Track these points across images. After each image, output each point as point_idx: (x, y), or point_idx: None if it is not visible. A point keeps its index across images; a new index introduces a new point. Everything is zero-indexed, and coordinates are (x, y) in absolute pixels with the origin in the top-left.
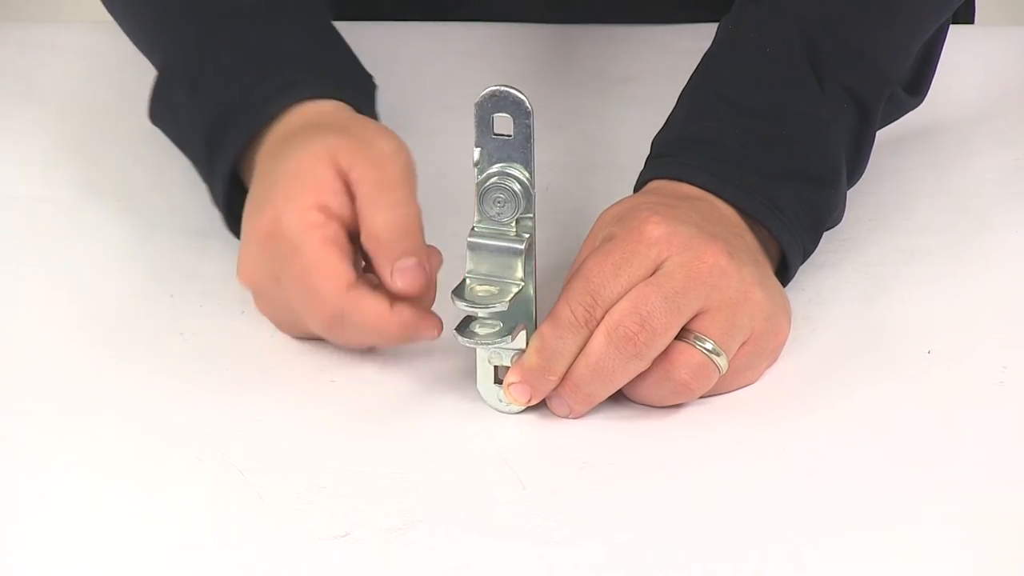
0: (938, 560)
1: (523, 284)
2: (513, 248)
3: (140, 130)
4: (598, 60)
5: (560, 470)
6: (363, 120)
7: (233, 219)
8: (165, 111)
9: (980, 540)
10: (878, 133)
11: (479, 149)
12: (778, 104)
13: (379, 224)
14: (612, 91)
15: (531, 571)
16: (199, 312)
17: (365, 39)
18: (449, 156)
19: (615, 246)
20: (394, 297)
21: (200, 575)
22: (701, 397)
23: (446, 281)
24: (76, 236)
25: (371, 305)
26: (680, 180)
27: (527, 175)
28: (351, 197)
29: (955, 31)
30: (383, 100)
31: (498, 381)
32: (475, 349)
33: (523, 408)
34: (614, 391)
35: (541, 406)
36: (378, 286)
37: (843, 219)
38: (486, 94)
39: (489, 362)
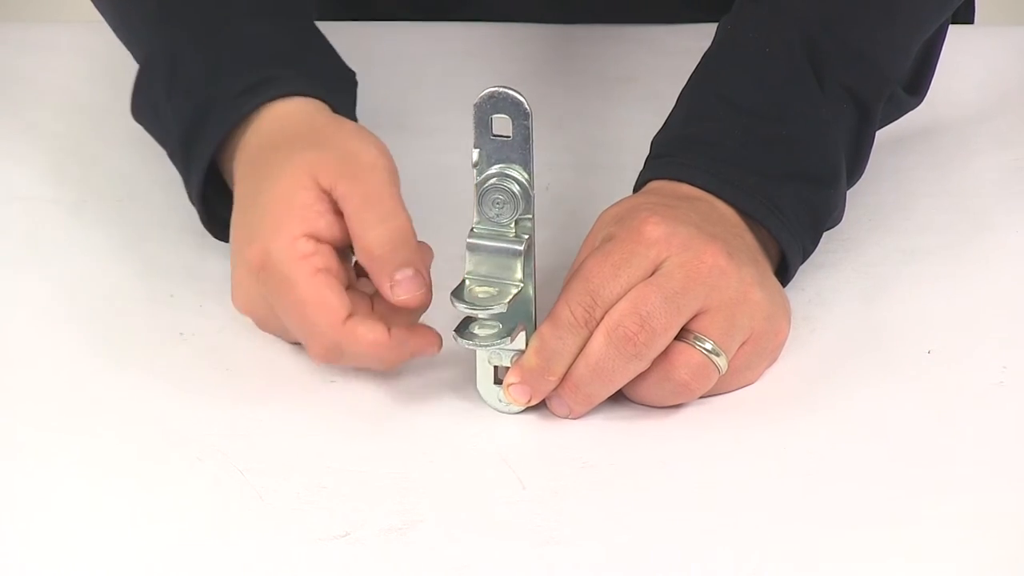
0: (938, 560)
1: (522, 285)
2: (512, 249)
3: (140, 130)
4: (598, 60)
5: (560, 470)
6: (338, 124)
7: (209, 216)
8: (146, 106)
9: (980, 540)
10: (878, 133)
11: (478, 150)
12: (778, 104)
13: (371, 240)
14: (612, 91)
15: (531, 571)
16: (199, 312)
17: (365, 39)
18: (449, 156)
19: (614, 246)
20: (391, 312)
21: (200, 575)
22: (701, 397)
23: (445, 282)
24: (76, 236)
25: (368, 335)
26: (680, 180)
27: (526, 176)
28: (338, 213)
29: (955, 31)
30: (383, 100)
31: (498, 381)
32: (475, 349)
33: (523, 408)
34: (614, 391)
35: (541, 406)
36: (374, 294)
37: (843, 219)
38: (485, 95)
39: (489, 362)
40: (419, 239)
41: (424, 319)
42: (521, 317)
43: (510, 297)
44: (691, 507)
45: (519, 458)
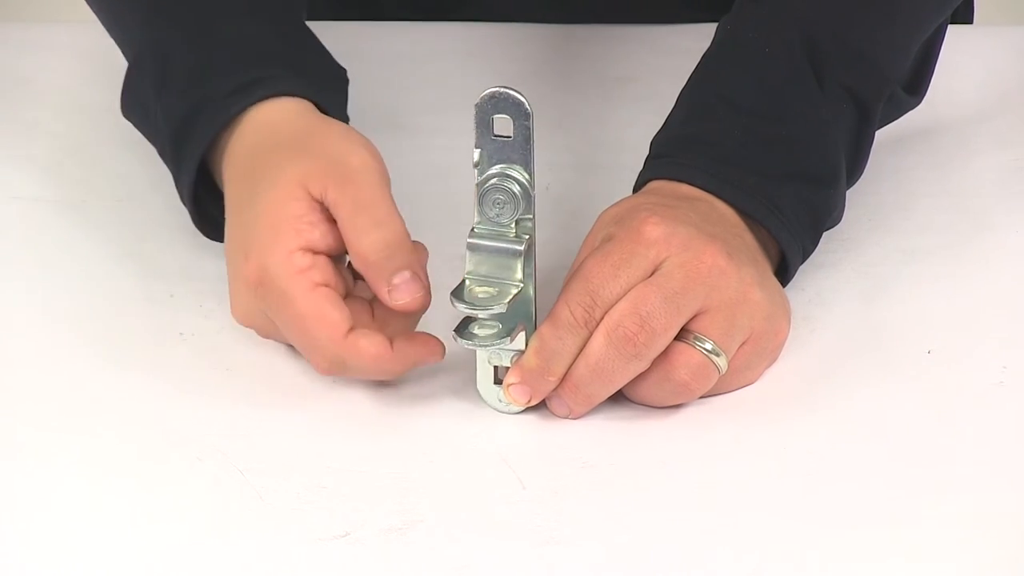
0: (938, 560)
1: (522, 285)
2: (512, 249)
3: None
4: (598, 60)
5: (560, 470)
6: (327, 126)
7: (200, 215)
8: (135, 104)
9: (980, 540)
10: (878, 133)
11: (479, 150)
12: (778, 104)
13: (366, 247)
14: (612, 91)
15: (531, 571)
16: (199, 312)
17: (365, 39)
18: (449, 156)
19: (614, 247)
20: (391, 316)
21: (200, 575)
22: (701, 397)
23: (445, 282)
24: (76, 236)
25: (371, 348)
26: (679, 180)
27: (527, 176)
28: (332, 221)
29: (954, 31)
30: (383, 100)
31: (498, 381)
32: (475, 350)
33: (523, 408)
34: (614, 392)
35: (541, 406)
36: (373, 299)
37: (843, 219)
38: (486, 95)
39: (489, 363)
40: (417, 239)
41: (423, 319)
42: (521, 317)
43: (510, 297)
44: (691, 507)
45: (519, 458)
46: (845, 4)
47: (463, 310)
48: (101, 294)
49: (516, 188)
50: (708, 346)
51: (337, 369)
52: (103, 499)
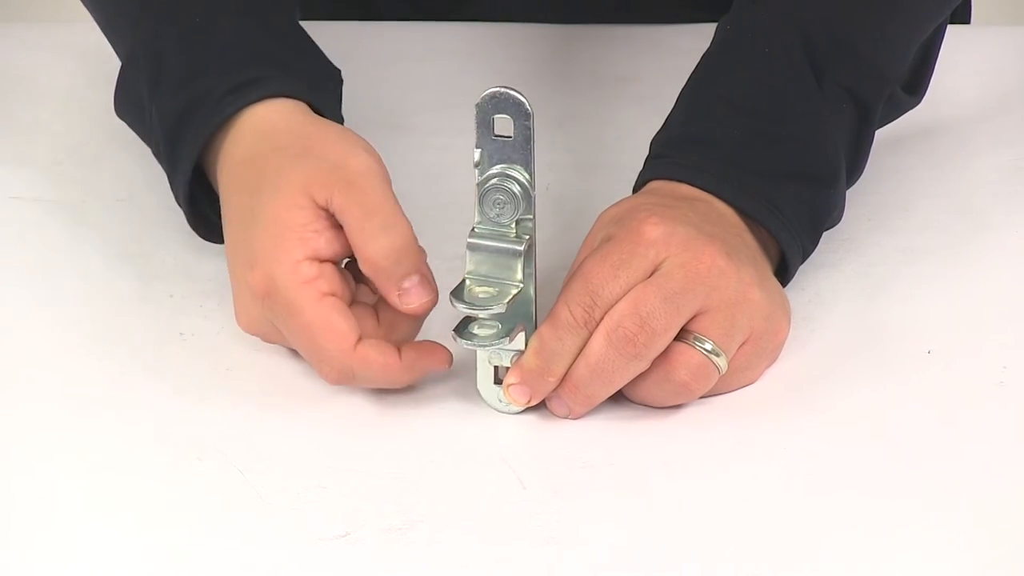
0: (938, 560)
1: (522, 286)
2: (513, 249)
3: None
4: (598, 60)
5: (560, 470)
6: (323, 129)
7: (196, 216)
8: (128, 103)
9: (980, 540)
10: (878, 133)
11: (479, 150)
12: (777, 104)
13: (375, 252)
14: (612, 91)
15: (531, 571)
16: (198, 312)
17: (365, 39)
18: (449, 156)
19: (614, 247)
20: (397, 318)
21: (200, 575)
22: (701, 397)
23: (446, 282)
24: (76, 236)
25: (379, 358)
26: (679, 180)
27: (527, 176)
28: (337, 227)
29: (953, 31)
30: (383, 99)
31: (498, 382)
32: (475, 350)
33: (523, 409)
34: (614, 392)
35: (541, 406)
36: (377, 302)
37: (843, 219)
38: (487, 95)
39: (489, 363)
40: (417, 239)
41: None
42: (521, 317)
43: (510, 297)
44: (691, 507)
45: (519, 458)
46: (845, 4)
47: (463, 310)
48: (101, 294)
49: (516, 188)
50: (708, 346)
51: (346, 379)
52: (103, 499)
